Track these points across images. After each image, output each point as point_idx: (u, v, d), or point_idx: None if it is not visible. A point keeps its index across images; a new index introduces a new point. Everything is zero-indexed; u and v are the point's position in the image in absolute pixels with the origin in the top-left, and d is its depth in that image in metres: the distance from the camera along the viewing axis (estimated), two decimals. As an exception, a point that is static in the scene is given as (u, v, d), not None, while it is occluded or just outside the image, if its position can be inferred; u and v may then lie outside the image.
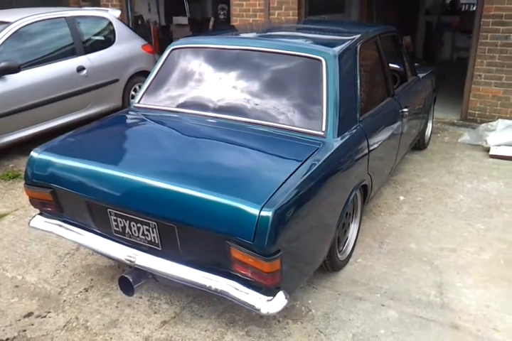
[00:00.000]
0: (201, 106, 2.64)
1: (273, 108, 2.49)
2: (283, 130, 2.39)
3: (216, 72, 2.75)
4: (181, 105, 2.72)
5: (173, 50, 2.90)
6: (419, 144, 4.45)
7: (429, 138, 4.68)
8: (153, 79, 2.87)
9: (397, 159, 3.39)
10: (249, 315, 2.34)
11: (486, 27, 4.88)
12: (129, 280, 2.12)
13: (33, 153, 2.36)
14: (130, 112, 2.84)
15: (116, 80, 5.23)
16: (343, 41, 2.67)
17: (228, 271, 1.95)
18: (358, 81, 2.60)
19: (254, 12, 6.09)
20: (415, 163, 4.26)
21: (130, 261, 2.14)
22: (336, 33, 3.18)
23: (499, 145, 4.39)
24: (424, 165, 4.22)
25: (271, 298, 1.89)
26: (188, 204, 1.91)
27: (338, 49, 2.53)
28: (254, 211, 1.78)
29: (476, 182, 3.83)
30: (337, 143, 2.32)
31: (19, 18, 4.42)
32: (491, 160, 4.29)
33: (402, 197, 3.60)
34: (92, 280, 2.64)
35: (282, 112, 2.46)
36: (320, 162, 2.13)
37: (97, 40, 5.21)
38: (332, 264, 2.53)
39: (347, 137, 2.41)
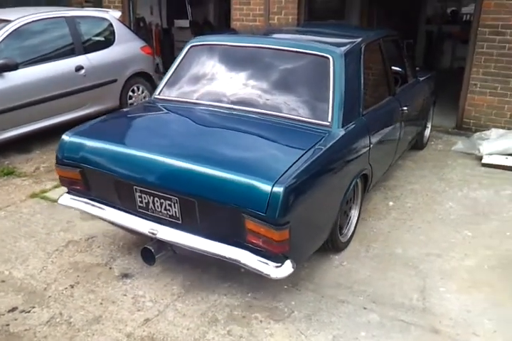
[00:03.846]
0: (217, 98, 2.86)
1: (284, 100, 2.74)
2: (293, 120, 2.61)
3: (231, 67, 2.99)
4: (198, 97, 2.94)
5: (191, 46, 3.14)
6: (418, 144, 4.62)
7: (428, 138, 4.83)
8: (173, 73, 3.12)
9: (396, 154, 3.60)
10: (232, 315, 2.36)
11: (482, 36, 4.91)
12: (151, 251, 2.34)
13: (64, 136, 2.59)
14: (151, 103, 3.09)
15: (115, 80, 5.27)
16: (349, 42, 2.92)
17: (242, 241, 2.17)
18: (362, 79, 2.82)
19: (254, 17, 6.14)
20: (407, 169, 4.29)
21: (152, 233, 2.33)
22: (341, 34, 3.42)
23: (492, 154, 4.41)
24: (416, 172, 4.24)
25: (279, 264, 2.12)
26: (210, 181, 2.14)
27: (344, 49, 2.78)
28: (267, 187, 2.02)
29: (467, 190, 3.85)
30: (341, 132, 2.55)
31: (19, 16, 4.47)
32: (482, 168, 4.30)
33: (391, 203, 3.62)
34: (78, 276, 2.66)
35: (292, 104, 2.71)
36: (326, 148, 2.37)
37: (97, 41, 5.25)
38: (334, 244, 2.76)
39: (350, 128, 2.63)
